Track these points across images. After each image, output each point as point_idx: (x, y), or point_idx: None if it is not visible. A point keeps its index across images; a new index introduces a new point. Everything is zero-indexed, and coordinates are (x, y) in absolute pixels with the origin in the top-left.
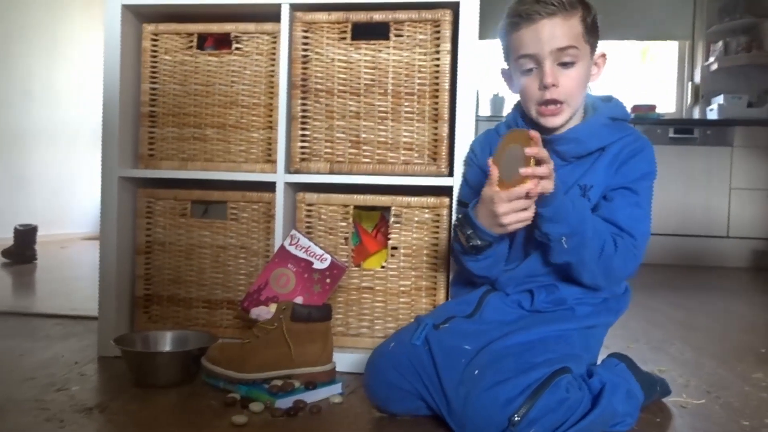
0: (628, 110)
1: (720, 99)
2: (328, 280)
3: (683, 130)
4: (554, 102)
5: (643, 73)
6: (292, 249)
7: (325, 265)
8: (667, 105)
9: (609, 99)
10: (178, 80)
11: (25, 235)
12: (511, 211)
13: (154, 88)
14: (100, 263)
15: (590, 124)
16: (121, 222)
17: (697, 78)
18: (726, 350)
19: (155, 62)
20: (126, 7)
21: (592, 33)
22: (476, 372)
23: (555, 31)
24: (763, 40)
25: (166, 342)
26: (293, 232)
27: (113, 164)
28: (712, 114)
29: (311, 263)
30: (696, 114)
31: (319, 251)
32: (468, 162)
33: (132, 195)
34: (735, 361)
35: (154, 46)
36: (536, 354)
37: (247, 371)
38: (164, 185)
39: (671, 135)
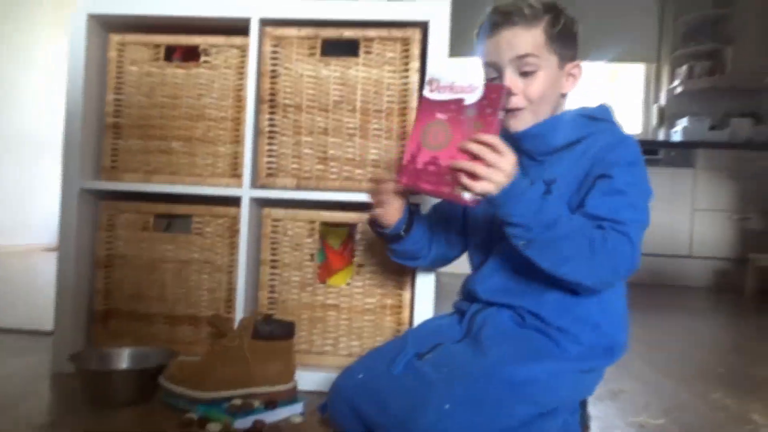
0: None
1: (684, 121)
2: (488, 110)
3: (649, 151)
4: (513, 109)
5: (612, 94)
6: (435, 95)
7: (479, 93)
8: (633, 126)
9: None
10: (144, 92)
11: None
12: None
13: (119, 99)
14: (57, 276)
15: (557, 119)
16: (81, 234)
17: (663, 100)
18: (686, 370)
19: (121, 73)
20: (92, 17)
21: (560, 42)
22: (447, 407)
23: (514, 41)
24: (726, 64)
25: (124, 359)
26: (430, 74)
27: (74, 175)
28: (677, 136)
29: (462, 101)
30: (661, 136)
31: (465, 82)
32: None
33: (93, 207)
34: (694, 381)
35: (120, 56)
36: (517, 402)
37: (205, 389)
38: (127, 198)
39: None
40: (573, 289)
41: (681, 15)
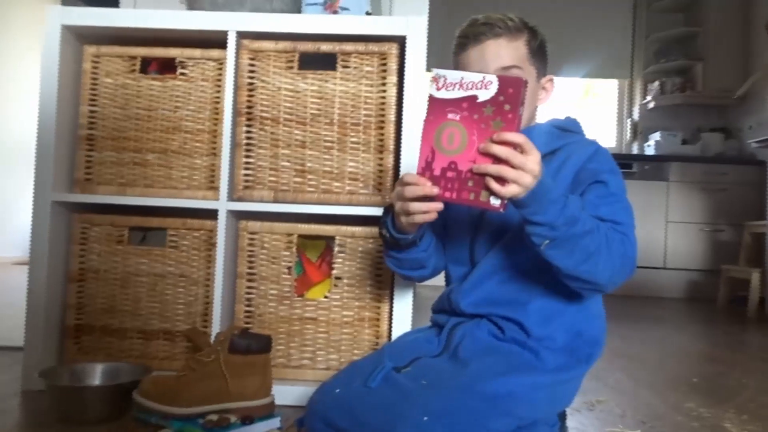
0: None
1: (657, 136)
2: (507, 106)
3: (623, 164)
4: None
5: (586, 108)
6: (442, 93)
7: (494, 89)
8: (608, 140)
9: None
10: (119, 104)
11: None
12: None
13: (93, 111)
14: (28, 291)
15: (532, 130)
16: (53, 248)
17: (636, 115)
18: (661, 380)
19: (95, 85)
20: (66, 28)
21: (538, 57)
22: (425, 419)
23: (500, 51)
24: (696, 81)
25: (96, 375)
26: (435, 71)
27: (47, 188)
28: (650, 150)
29: (476, 97)
30: (635, 149)
31: (477, 77)
32: None
33: (66, 220)
34: (669, 391)
35: (95, 68)
36: (495, 416)
37: (180, 405)
38: (101, 211)
39: None
40: (565, 296)
41: (653, 33)
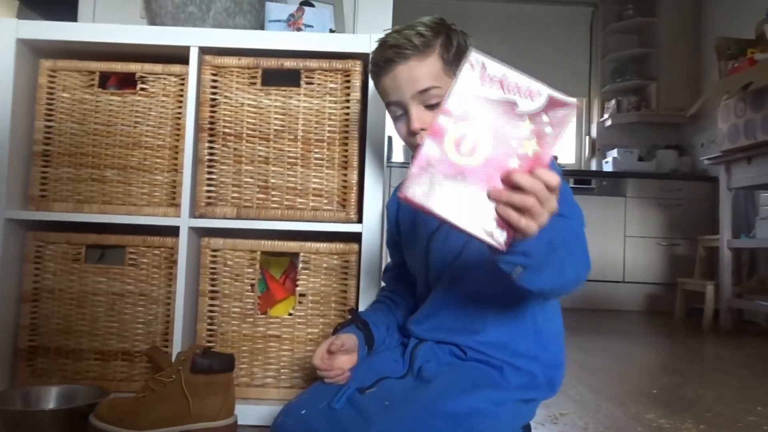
0: None
1: (614, 153)
2: (548, 129)
3: (582, 180)
4: None
5: None
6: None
7: (539, 103)
8: (567, 157)
9: None
10: (76, 119)
11: None
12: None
13: (49, 126)
14: None
15: None
16: (5, 267)
17: (594, 132)
18: (622, 392)
19: (52, 99)
20: (21, 41)
21: (456, 64)
22: None
23: (411, 76)
24: (651, 100)
25: (50, 398)
26: (474, 55)
27: None
28: (608, 166)
29: (514, 105)
30: (593, 166)
31: (524, 81)
32: (388, 223)
33: (20, 238)
34: (630, 403)
35: (52, 82)
36: None
37: (140, 428)
38: (57, 228)
39: (571, 185)
40: (518, 321)
41: (609, 53)
